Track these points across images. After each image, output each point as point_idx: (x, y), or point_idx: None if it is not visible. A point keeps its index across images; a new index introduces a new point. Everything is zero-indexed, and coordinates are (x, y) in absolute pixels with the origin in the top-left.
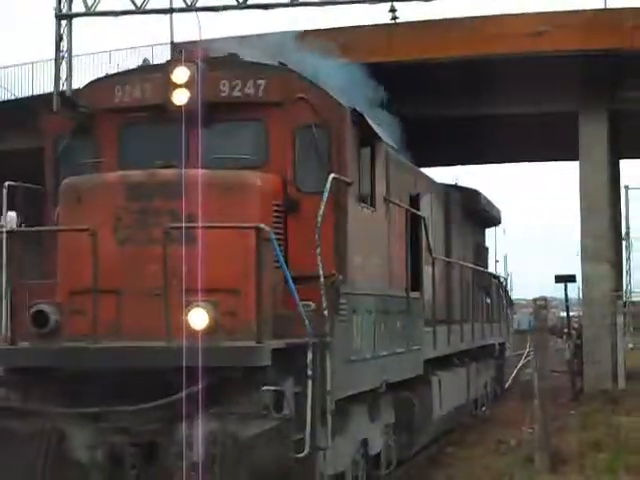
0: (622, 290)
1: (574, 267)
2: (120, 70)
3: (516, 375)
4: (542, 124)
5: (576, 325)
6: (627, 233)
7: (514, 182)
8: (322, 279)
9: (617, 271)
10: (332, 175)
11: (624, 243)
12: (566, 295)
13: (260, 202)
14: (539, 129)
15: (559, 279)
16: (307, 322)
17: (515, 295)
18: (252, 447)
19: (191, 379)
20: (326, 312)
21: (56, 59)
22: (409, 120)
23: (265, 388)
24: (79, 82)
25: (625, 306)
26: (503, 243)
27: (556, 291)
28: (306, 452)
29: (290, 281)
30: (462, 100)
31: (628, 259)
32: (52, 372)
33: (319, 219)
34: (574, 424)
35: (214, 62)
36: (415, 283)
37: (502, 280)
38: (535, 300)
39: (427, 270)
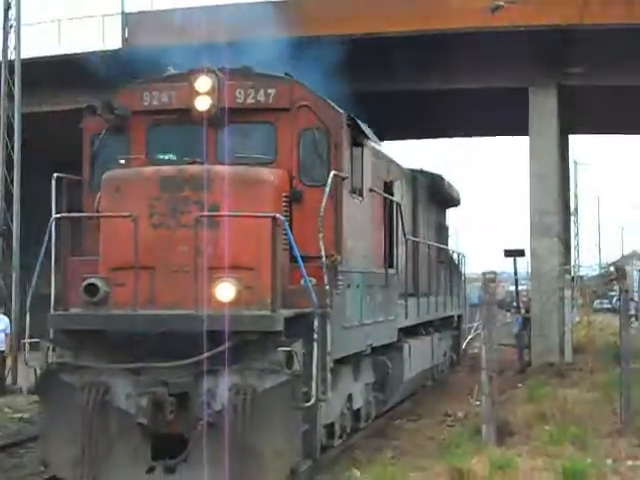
0: (570, 265)
1: (525, 243)
2: (148, 78)
3: (465, 348)
4: (494, 99)
5: (525, 299)
6: (576, 209)
7: (466, 157)
8: (324, 259)
9: (566, 246)
10: (333, 172)
11: (573, 219)
12: (515, 269)
13: (273, 194)
14: (491, 104)
15: (508, 253)
16: (314, 295)
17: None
18: (268, 397)
19: (217, 341)
20: (327, 287)
21: (4, 28)
22: (361, 95)
23: (280, 349)
24: (27, 52)
25: (573, 281)
26: (455, 219)
27: (506, 266)
28: (313, 401)
29: (300, 261)
30: (415, 75)
31: (577, 234)
32: (100, 334)
33: (322, 209)
34: (521, 397)
35: (231, 73)
36: (390, 261)
37: (459, 256)
38: (484, 274)
39: (401, 249)
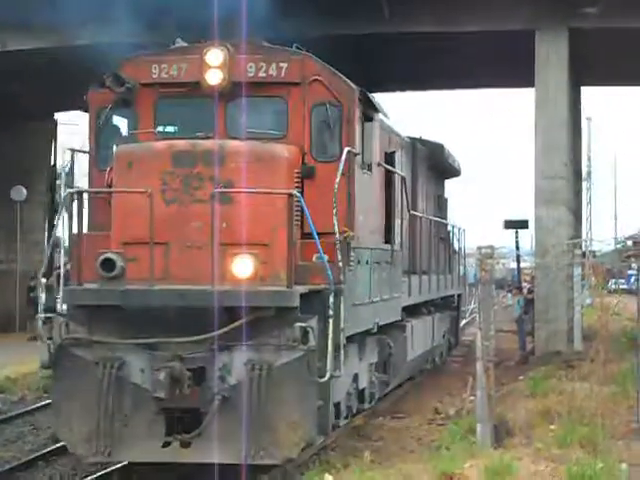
0: (581, 238)
1: (529, 213)
2: (157, 50)
3: (459, 334)
4: (494, 44)
5: (528, 278)
6: (588, 173)
7: (460, 112)
8: (337, 236)
9: (576, 216)
10: (347, 148)
11: (584, 184)
12: (517, 243)
13: (286, 170)
14: (491, 50)
15: (509, 225)
16: (329, 271)
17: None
18: (283, 372)
19: (233, 317)
20: (341, 264)
21: None
22: (341, 39)
23: (298, 324)
24: None
25: (584, 256)
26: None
27: (506, 239)
28: (328, 376)
29: (317, 238)
30: (403, 16)
31: (589, 203)
32: (115, 310)
33: (336, 186)
34: (522, 391)
35: (242, 46)
36: (394, 236)
37: (459, 231)
38: (480, 248)
39: (404, 224)
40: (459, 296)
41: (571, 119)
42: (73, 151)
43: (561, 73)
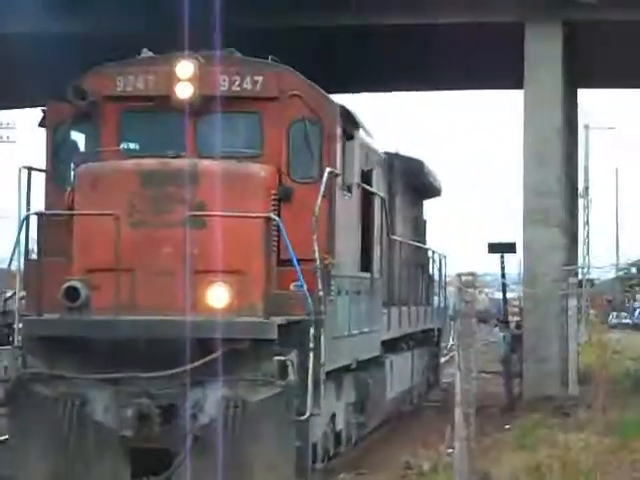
0: (577, 264)
1: (517, 235)
2: (121, 61)
3: (439, 372)
4: (476, 39)
5: (515, 310)
6: (586, 189)
7: (438, 117)
8: (318, 263)
9: (571, 239)
10: (328, 169)
11: (581, 202)
12: (502, 270)
13: (263, 192)
14: (472, 46)
15: (494, 248)
16: (309, 301)
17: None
18: (260, 410)
19: (204, 350)
20: (321, 293)
21: None
22: (299, 32)
23: (277, 358)
24: None
25: (581, 286)
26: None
27: (490, 265)
28: (308, 415)
29: (297, 266)
30: (372, 5)
31: (586, 223)
32: (77, 342)
33: (317, 209)
34: (509, 442)
35: (214, 58)
36: (372, 264)
37: (440, 257)
38: (459, 275)
39: (383, 251)
40: (439, 330)
41: (566, 126)
42: (29, 169)
43: (554, 73)
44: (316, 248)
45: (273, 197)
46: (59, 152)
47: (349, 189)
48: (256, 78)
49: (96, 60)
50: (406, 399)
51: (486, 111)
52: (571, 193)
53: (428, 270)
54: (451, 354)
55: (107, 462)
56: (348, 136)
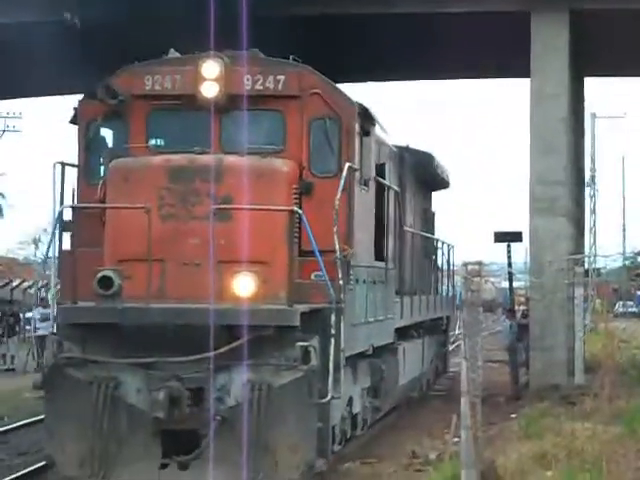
0: (583, 253)
1: (523, 224)
2: (150, 61)
3: (447, 360)
4: (483, 28)
5: (522, 299)
6: (592, 178)
7: (439, 106)
8: (338, 253)
9: (577, 228)
10: (348, 164)
11: (588, 191)
12: (509, 259)
13: (286, 186)
14: (481, 35)
15: (500, 237)
16: (331, 290)
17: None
18: (283, 393)
19: (231, 336)
20: (341, 282)
21: None
22: (303, 20)
23: (300, 344)
24: None
25: (587, 275)
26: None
27: (497, 254)
28: (329, 397)
29: (319, 256)
30: None
31: (593, 212)
32: (110, 328)
33: (337, 202)
34: (515, 431)
35: (238, 58)
36: (386, 254)
37: (448, 247)
38: (466, 265)
39: (397, 241)
40: (447, 319)
41: (572, 115)
42: (63, 165)
43: (561, 62)
44: (336, 240)
45: (295, 191)
46: (90, 148)
47: (366, 183)
48: (278, 77)
49: (93, 51)
50: (416, 386)
51: (493, 100)
52: (577, 182)
53: (436, 260)
54: (457, 343)
55: (139, 442)
56: (365, 132)
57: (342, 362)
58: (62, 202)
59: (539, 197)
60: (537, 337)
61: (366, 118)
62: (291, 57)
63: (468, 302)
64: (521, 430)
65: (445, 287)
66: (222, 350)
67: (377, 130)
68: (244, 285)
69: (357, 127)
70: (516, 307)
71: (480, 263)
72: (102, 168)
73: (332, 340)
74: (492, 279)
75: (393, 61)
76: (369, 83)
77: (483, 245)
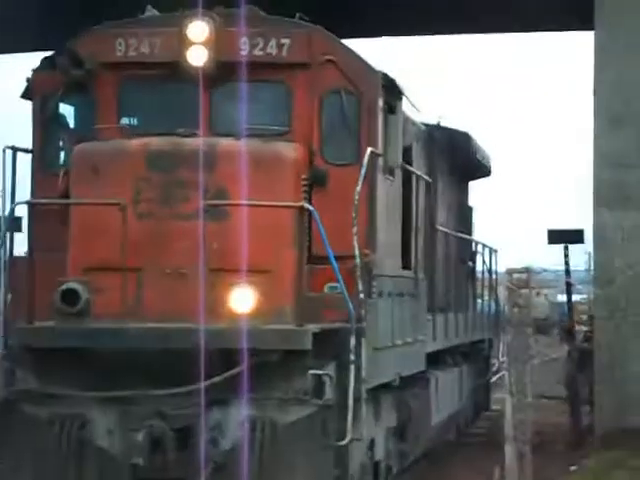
0: None
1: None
2: (122, 21)
3: (490, 394)
4: None
5: (583, 317)
6: None
7: (473, 67)
8: (358, 260)
9: None
10: (370, 149)
11: None
12: (567, 265)
13: (293, 176)
14: None
15: (555, 237)
16: (350, 305)
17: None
18: (291, 433)
19: (226, 362)
20: (362, 295)
21: None
22: None
23: (312, 372)
24: None
25: None
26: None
27: (551, 259)
28: (347, 440)
29: (334, 264)
30: None
31: None
32: (75, 354)
33: (357, 196)
34: None
35: (232, 17)
36: (416, 260)
37: (490, 252)
38: (510, 273)
39: (427, 245)
40: (489, 342)
41: None
42: (14, 149)
43: (636, 6)
44: (356, 243)
45: (304, 182)
46: (48, 129)
47: (391, 172)
48: (282, 41)
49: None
50: (452, 426)
51: (545, 59)
52: None
53: (474, 267)
54: (500, 374)
55: None
56: (390, 108)
57: (363, 395)
58: (13, 195)
59: (606, 184)
60: (604, 366)
61: (392, 91)
62: (297, 15)
63: (514, 321)
64: None
65: (486, 302)
66: (216, 380)
67: (404, 105)
68: (242, 299)
69: (381, 102)
70: (576, 327)
71: (528, 270)
72: (63, 154)
73: (351, 368)
74: (545, 291)
75: (422, 11)
76: (384, 38)
77: (533, 248)
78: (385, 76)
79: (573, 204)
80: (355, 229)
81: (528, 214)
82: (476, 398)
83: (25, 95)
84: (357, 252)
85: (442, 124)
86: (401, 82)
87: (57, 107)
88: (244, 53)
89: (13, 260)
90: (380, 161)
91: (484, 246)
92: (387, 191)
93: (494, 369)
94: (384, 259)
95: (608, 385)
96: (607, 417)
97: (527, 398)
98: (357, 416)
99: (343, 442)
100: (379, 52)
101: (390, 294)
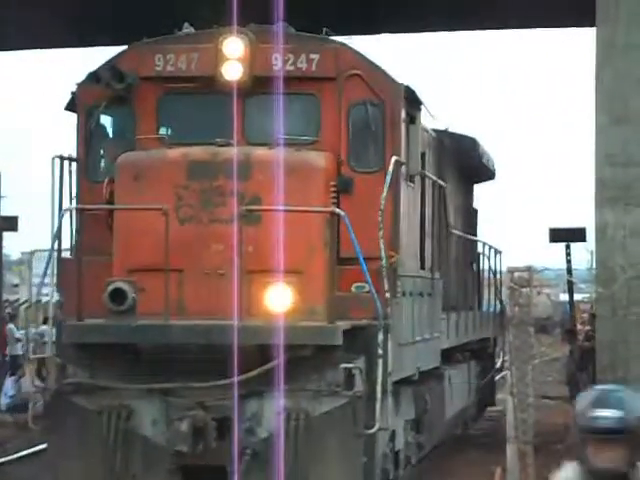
0: None
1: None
2: (161, 37)
3: (495, 390)
4: None
5: (585, 317)
6: None
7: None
8: (384, 261)
9: None
10: (394, 157)
11: None
12: (569, 264)
13: (323, 183)
14: None
15: (557, 236)
16: (378, 304)
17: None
18: (324, 423)
19: (262, 357)
20: (388, 294)
21: None
22: None
23: (343, 366)
24: None
25: None
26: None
27: (552, 258)
28: (376, 428)
29: (365, 266)
30: None
31: None
32: (122, 349)
33: (383, 202)
34: None
35: (265, 34)
36: (431, 261)
37: (495, 253)
38: (511, 272)
39: (442, 247)
40: (494, 341)
41: None
42: (62, 159)
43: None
44: (382, 245)
45: (332, 188)
46: (92, 140)
47: (411, 179)
48: (312, 56)
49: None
50: (460, 420)
51: (545, 57)
52: None
53: (479, 268)
54: (504, 372)
55: None
56: (411, 119)
57: (389, 388)
58: (61, 202)
59: (608, 182)
60: (606, 366)
61: (413, 102)
62: (324, 30)
63: (515, 320)
64: None
65: (491, 301)
66: (254, 373)
67: (423, 115)
68: (277, 298)
69: (403, 113)
70: (578, 327)
71: (530, 269)
72: (105, 162)
73: (379, 362)
74: (547, 290)
75: (419, 8)
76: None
77: (535, 247)
78: (407, 88)
79: (574, 203)
80: (381, 232)
81: (529, 215)
82: (482, 394)
83: (69, 107)
84: (383, 254)
85: (450, 130)
86: (420, 92)
87: (100, 119)
88: (276, 68)
89: (62, 262)
90: (403, 169)
91: (490, 247)
92: (408, 196)
93: (498, 366)
94: (406, 260)
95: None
96: None
97: (529, 398)
98: (384, 407)
99: (372, 430)
100: (377, 49)
101: (411, 293)
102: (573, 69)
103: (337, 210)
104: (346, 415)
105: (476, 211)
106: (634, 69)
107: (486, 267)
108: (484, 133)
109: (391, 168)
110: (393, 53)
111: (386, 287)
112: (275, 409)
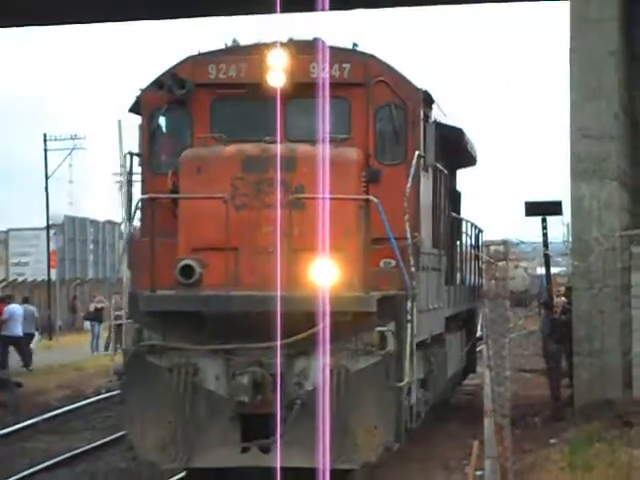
0: None
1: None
2: (214, 49)
3: (476, 357)
4: None
5: (561, 290)
6: None
7: (449, 39)
8: (410, 241)
9: (634, 194)
10: (417, 152)
11: None
12: (545, 237)
13: (356, 174)
14: None
15: (533, 209)
16: (406, 277)
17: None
18: (361, 377)
19: (308, 322)
20: (413, 269)
21: None
22: None
23: (378, 329)
24: None
25: None
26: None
27: (529, 232)
28: (406, 381)
29: (395, 245)
30: None
31: None
32: (189, 316)
33: (407, 190)
34: (555, 461)
35: (303, 46)
36: (440, 240)
37: (477, 231)
38: (487, 245)
39: (443, 226)
40: (474, 311)
41: (626, 47)
42: (132, 155)
43: None
44: (407, 227)
45: (363, 179)
46: (155, 138)
47: (427, 169)
48: (344, 65)
49: None
50: (455, 381)
51: (520, 28)
52: (634, 135)
53: (462, 244)
54: (478, 348)
55: (219, 427)
56: (426, 118)
57: (414, 347)
58: (130, 192)
59: (583, 156)
60: (582, 338)
61: (428, 103)
62: (353, 43)
63: (491, 293)
64: (564, 460)
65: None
66: (303, 335)
67: (435, 112)
68: (324, 272)
69: (422, 114)
70: (554, 299)
71: (506, 243)
72: (165, 158)
73: (408, 326)
74: (524, 263)
75: None
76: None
77: (511, 221)
78: (425, 92)
79: (550, 176)
80: (406, 216)
81: (505, 186)
82: (468, 360)
83: (133, 110)
84: (409, 234)
85: (441, 122)
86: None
87: (161, 120)
88: (313, 75)
89: (134, 243)
90: (421, 161)
91: (472, 225)
92: (426, 185)
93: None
94: (424, 240)
95: (586, 357)
96: (585, 389)
97: (505, 372)
98: (411, 364)
99: (402, 383)
100: (353, 25)
101: (425, 268)
102: (547, 44)
103: (371, 197)
104: (380, 370)
105: (459, 194)
106: (607, 43)
107: (469, 244)
108: (457, 109)
109: (414, 161)
110: (366, 28)
111: (412, 263)
112: (320, 366)
